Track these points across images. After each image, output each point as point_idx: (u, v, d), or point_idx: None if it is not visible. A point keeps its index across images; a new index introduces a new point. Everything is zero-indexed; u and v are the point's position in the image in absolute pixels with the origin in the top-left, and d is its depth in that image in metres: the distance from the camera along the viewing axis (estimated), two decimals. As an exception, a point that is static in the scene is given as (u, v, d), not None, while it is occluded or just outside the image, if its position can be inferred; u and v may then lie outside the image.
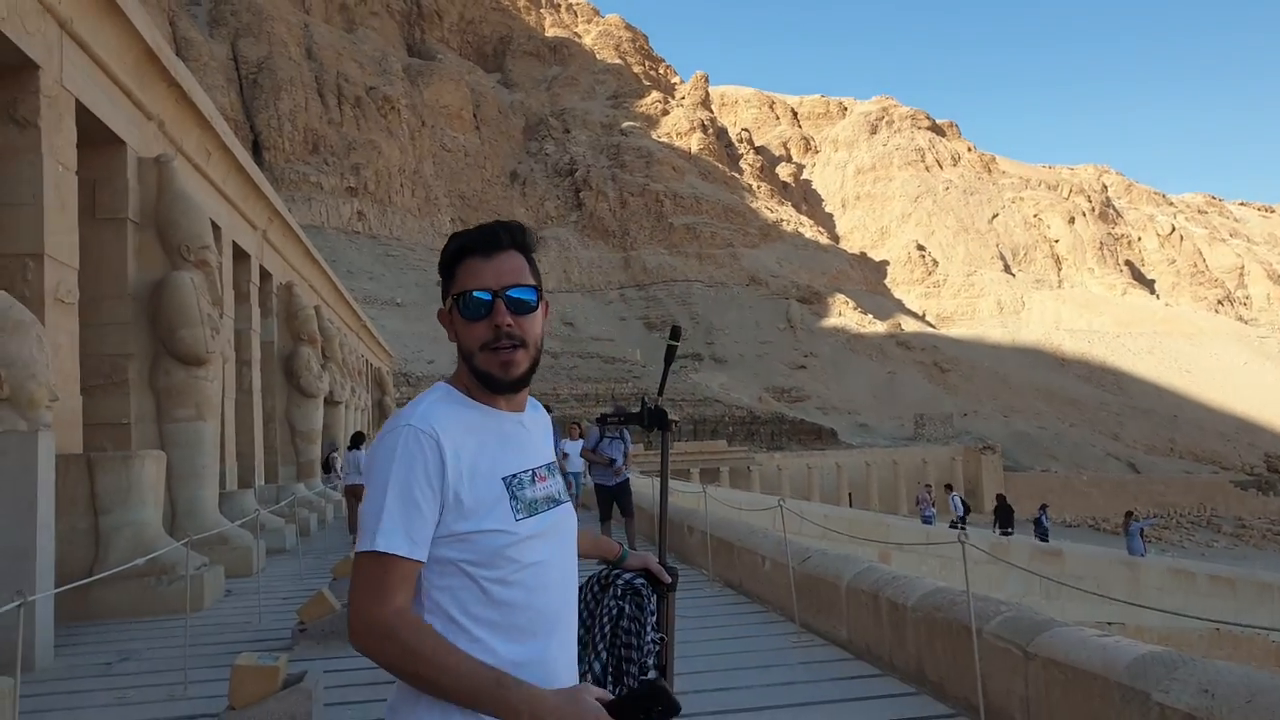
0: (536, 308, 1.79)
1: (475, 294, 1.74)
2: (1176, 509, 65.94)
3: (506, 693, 1.56)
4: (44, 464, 6.99)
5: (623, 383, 78.31)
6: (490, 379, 1.77)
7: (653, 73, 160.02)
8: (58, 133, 8.97)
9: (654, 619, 2.14)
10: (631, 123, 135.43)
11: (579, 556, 2.22)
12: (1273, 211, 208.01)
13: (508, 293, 1.74)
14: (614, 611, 2.14)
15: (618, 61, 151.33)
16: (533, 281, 1.79)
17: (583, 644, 2.12)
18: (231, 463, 14.63)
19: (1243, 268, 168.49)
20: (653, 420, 2.42)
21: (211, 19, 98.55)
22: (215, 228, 13.41)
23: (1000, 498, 31.21)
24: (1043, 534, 26.74)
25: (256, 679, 5.15)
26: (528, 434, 1.85)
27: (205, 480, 11.30)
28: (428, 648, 1.58)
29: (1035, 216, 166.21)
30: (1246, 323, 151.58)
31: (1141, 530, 25.45)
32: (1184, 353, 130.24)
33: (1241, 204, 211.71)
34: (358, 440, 15.17)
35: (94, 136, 10.23)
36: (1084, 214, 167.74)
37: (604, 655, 2.11)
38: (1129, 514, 27.09)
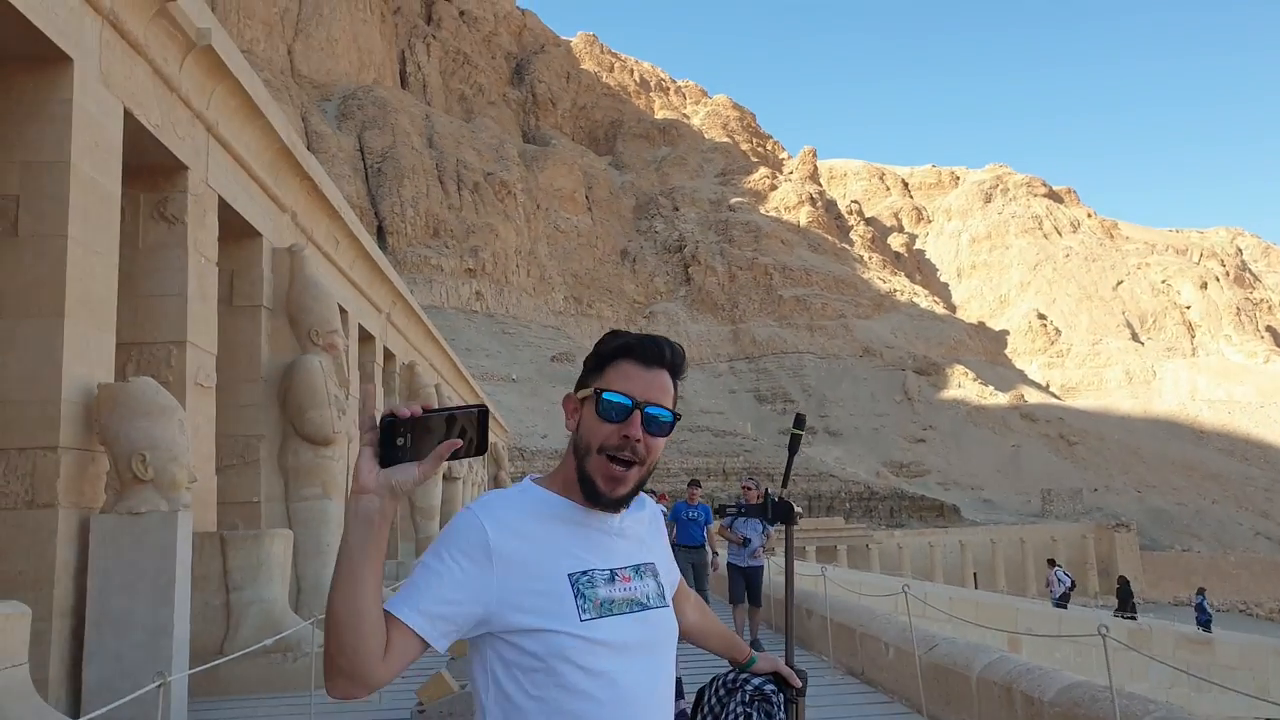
0: (668, 434, 1.75)
1: (619, 398, 1.70)
2: (1343, 594, 61.04)
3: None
4: (182, 544, 7.29)
5: (734, 456, 77.68)
6: (593, 488, 1.70)
7: (760, 149, 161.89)
8: (202, 228, 9.56)
9: None
10: (739, 198, 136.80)
11: (711, 651, 2.21)
12: None
13: (648, 408, 1.70)
14: (739, 718, 2.05)
15: (725, 140, 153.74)
16: (673, 407, 1.75)
17: None
18: (354, 539, 14.98)
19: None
20: (777, 514, 2.38)
21: (340, 113, 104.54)
22: (342, 312, 13.99)
23: (1122, 579, 29.78)
24: (1205, 621, 25.06)
25: (378, 762, 5.18)
26: (612, 532, 1.76)
27: (329, 558, 11.57)
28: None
29: (1163, 282, 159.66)
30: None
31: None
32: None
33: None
34: None
35: (233, 229, 10.86)
36: (1217, 279, 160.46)
37: None
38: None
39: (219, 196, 10.06)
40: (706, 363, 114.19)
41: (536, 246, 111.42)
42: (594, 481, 1.69)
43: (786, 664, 2.15)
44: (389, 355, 19.10)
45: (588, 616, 1.63)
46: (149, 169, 8.96)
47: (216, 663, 7.23)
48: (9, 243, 6.94)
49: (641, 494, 1.89)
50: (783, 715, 2.06)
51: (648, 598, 1.74)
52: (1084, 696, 5.38)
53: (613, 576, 1.70)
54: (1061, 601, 24.94)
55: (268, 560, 9.28)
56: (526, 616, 1.60)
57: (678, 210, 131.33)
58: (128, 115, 7.90)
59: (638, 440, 1.69)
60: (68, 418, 6.90)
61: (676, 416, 1.76)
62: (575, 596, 1.63)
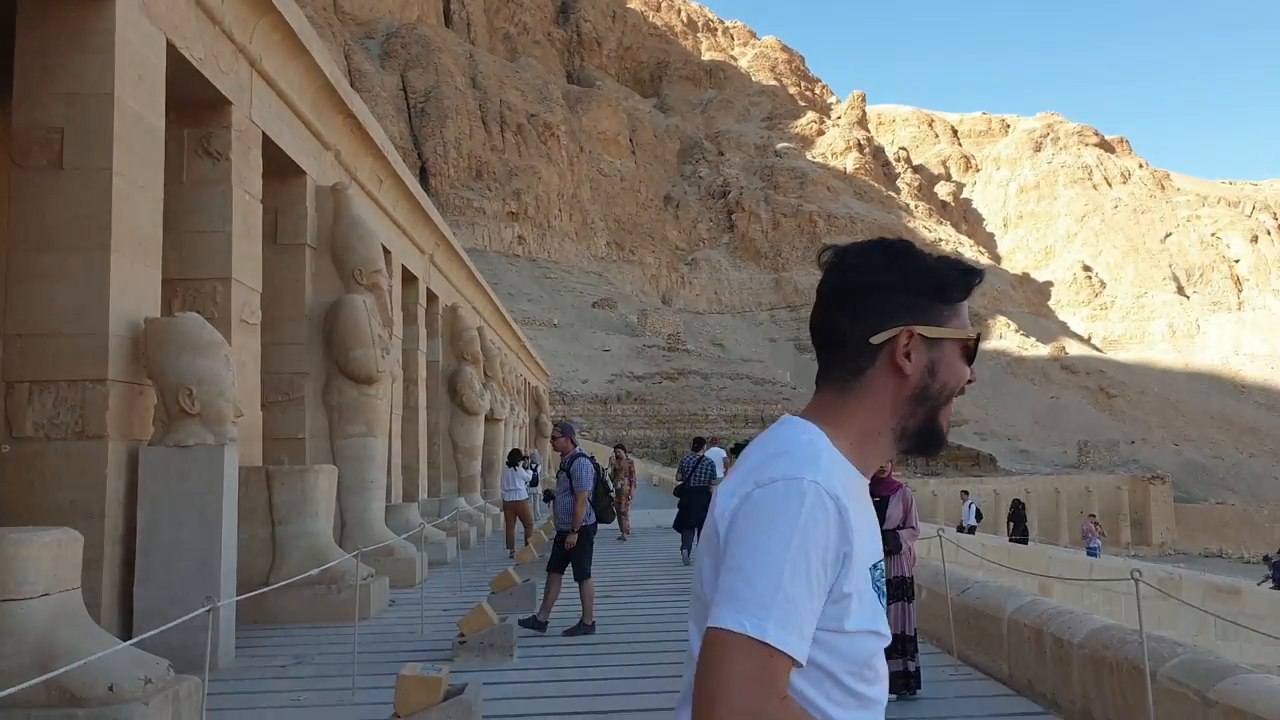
0: None
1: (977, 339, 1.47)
2: (1375, 549, 60.46)
3: None
4: (229, 476, 7.43)
5: (773, 404, 77.50)
6: (939, 439, 1.46)
7: (809, 93, 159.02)
8: (246, 164, 9.58)
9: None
10: (786, 144, 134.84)
11: None
12: None
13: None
14: None
15: (773, 83, 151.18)
16: None
17: None
18: (397, 476, 15.21)
19: None
20: None
21: (383, 52, 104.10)
22: (386, 252, 14.04)
23: (1016, 503, 31.31)
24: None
25: (420, 689, 5.29)
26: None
27: (373, 494, 11.78)
28: None
29: (1213, 235, 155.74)
30: None
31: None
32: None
33: None
34: (514, 458, 15.51)
35: (277, 166, 10.88)
36: (1269, 231, 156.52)
37: None
38: (1319, 552, 24.99)
39: (263, 133, 10.07)
40: (748, 311, 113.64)
41: (579, 190, 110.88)
42: (941, 433, 1.46)
43: None
44: (432, 297, 19.19)
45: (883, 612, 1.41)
46: (193, 104, 8.97)
47: (263, 590, 7.40)
48: (55, 175, 7.01)
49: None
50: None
51: None
52: (1113, 639, 5.47)
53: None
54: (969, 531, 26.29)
55: (313, 495, 9.45)
56: (850, 618, 1.31)
57: (723, 155, 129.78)
58: (170, 48, 7.89)
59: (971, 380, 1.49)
60: (115, 351, 7.01)
61: None
62: (877, 592, 1.38)
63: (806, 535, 1.25)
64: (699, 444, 15.83)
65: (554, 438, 9.22)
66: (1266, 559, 33.02)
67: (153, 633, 4.99)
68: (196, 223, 9.09)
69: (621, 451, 19.59)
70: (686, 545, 14.36)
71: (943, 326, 1.43)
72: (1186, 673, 4.71)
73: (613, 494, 9.56)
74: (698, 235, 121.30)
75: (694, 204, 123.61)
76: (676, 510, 15.16)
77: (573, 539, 8.65)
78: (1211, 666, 4.69)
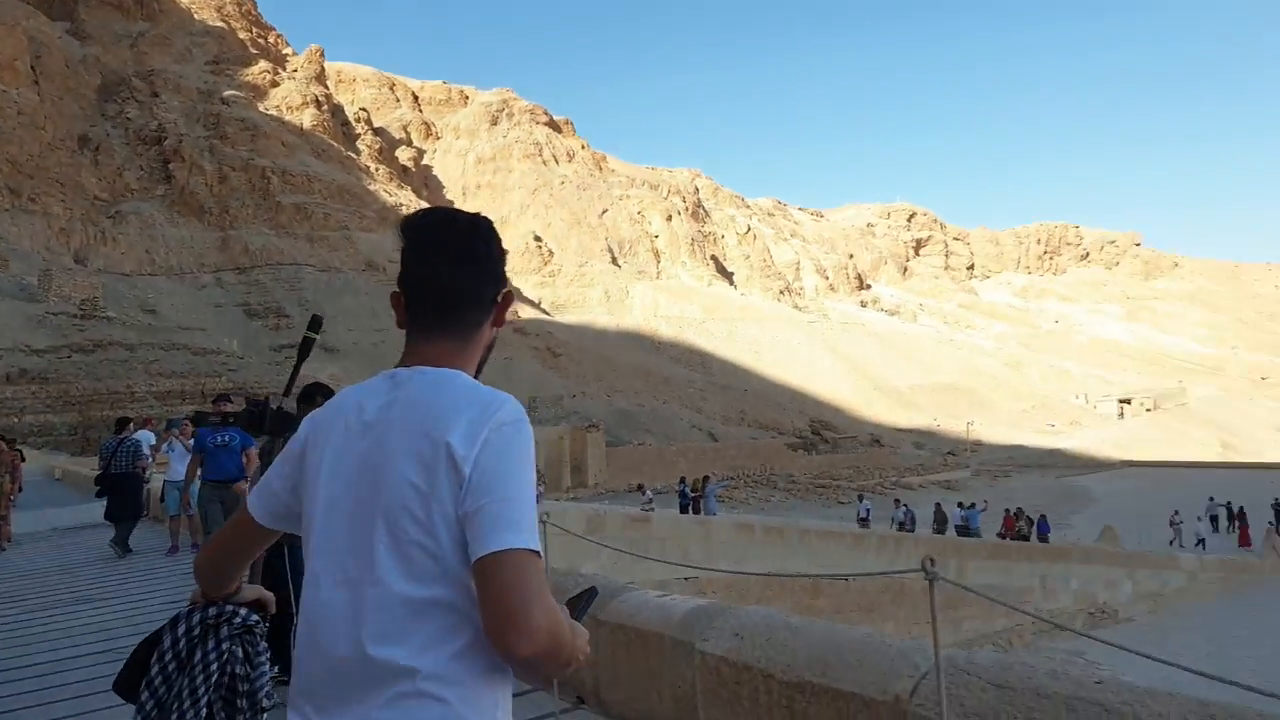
0: None
1: None
2: (745, 470, 75.49)
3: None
4: None
5: (215, 377, 71.26)
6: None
7: (261, 40, 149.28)
8: None
9: (269, 653, 2.04)
10: (235, 92, 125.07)
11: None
12: (822, 216, 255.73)
13: None
14: (223, 658, 1.95)
15: (220, 24, 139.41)
16: None
17: (161, 706, 1.90)
18: None
19: (798, 263, 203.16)
20: (276, 424, 2.43)
21: None
22: None
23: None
24: (685, 505, 27.51)
25: None
26: None
27: None
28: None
29: (639, 213, 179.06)
30: (800, 309, 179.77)
31: (715, 492, 27.51)
32: (754, 336, 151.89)
33: (800, 209, 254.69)
34: None
35: None
36: (679, 213, 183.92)
37: (205, 709, 1.90)
38: (705, 478, 28.94)
39: None
40: (188, 273, 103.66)
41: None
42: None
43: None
44: None
45: None
46: None
47: None
48: None
49: None
50: (264, 644, 2.03)
51: None
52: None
53: None
54: None
55: None
56: None
57: (157, 97, 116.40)
58: None
59: None
60: None
61: None
62: None
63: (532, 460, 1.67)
64: (122, 425, 14.44)
65: None
66: (646, 487, 38.05)
67: None
68: None
69: (3, 444, 16.11)
70: (120, 538, 12.73)
71: (503, 285, 1.85)
72: (584, 599, 4.91)
73: None
74: (124, 185, 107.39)
75: (120, 149, 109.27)
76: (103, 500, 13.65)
77: None
78: (607, 591, 5.28)
